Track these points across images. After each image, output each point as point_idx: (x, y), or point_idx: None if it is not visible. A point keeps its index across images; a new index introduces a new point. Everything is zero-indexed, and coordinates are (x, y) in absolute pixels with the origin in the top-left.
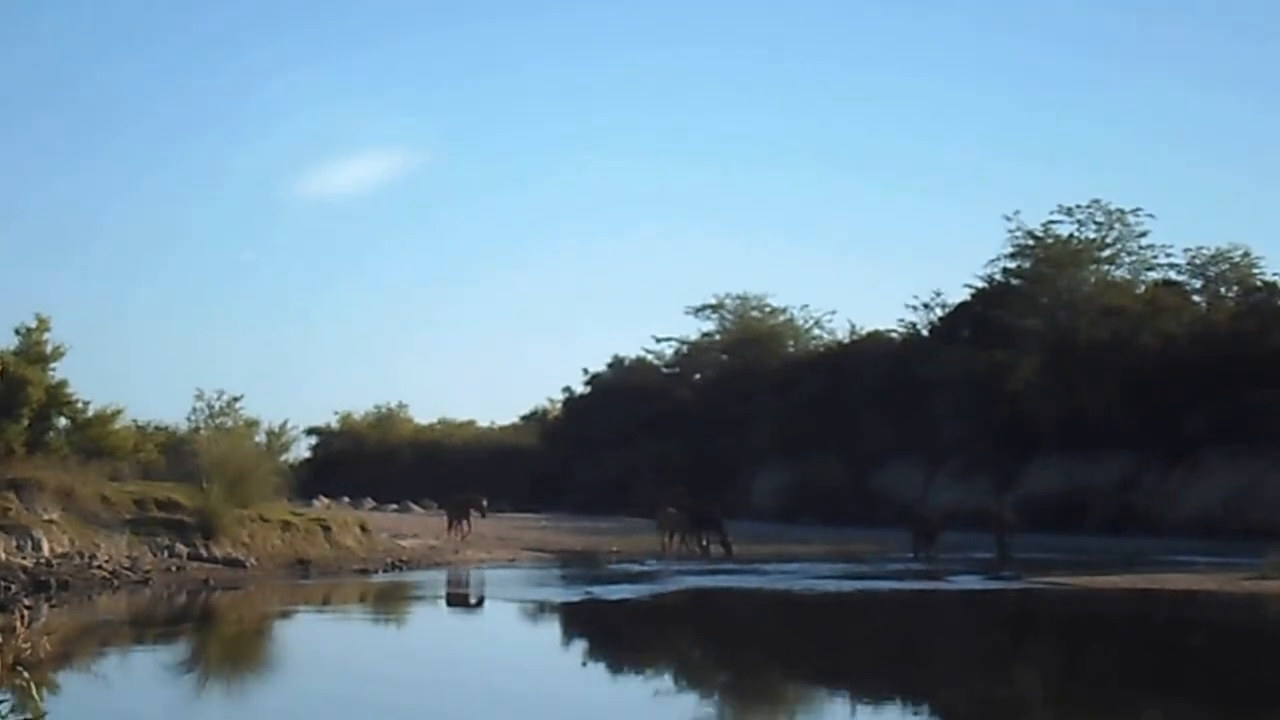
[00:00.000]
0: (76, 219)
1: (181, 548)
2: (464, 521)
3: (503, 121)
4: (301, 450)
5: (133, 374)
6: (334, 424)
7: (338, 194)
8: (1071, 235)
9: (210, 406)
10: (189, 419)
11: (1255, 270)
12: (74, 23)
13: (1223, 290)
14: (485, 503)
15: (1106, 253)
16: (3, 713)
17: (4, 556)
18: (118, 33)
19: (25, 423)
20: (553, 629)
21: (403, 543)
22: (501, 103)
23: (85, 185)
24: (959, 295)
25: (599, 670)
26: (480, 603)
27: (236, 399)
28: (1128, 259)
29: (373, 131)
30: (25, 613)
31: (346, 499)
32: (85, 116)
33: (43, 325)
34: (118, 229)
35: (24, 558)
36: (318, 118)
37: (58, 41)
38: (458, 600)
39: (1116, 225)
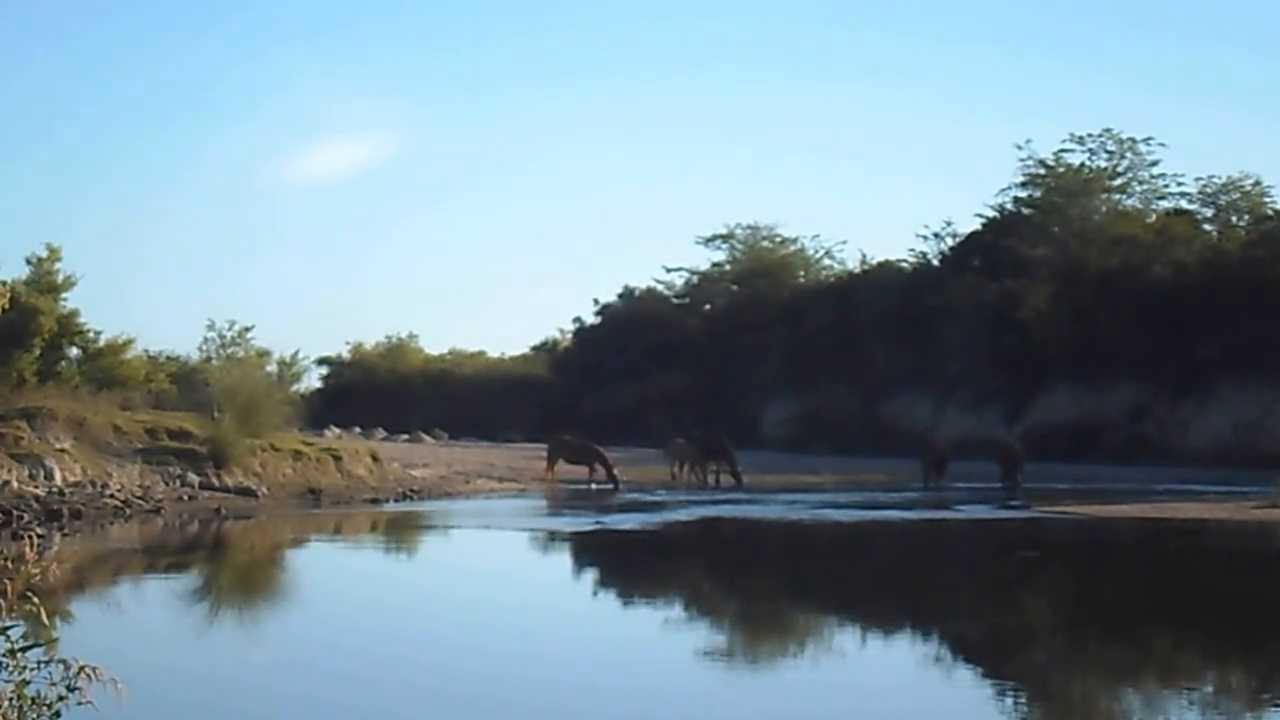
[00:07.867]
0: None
1: (193, 477)
2: (589, 467)
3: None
4: (313, 380)
5: (144, 305)
6: (345, 354)
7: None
8: (1082, 164)
9: (221, 336)
10: (200, 349)
11: (1266, 199)
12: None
13: (1233, 219)
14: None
15: (1117, 182)
16: (13, 639)
17: (16, 485)
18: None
19: (37, 352)
20: (563, 559)
21: (414, 472)
22: (500, 35)
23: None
24: (970, 225)
25: (609, 599)
26: (491, 532)
27: (248, 329)
28: (1139, 188)
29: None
30: (36, 540)
31: (358, 429)
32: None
33: (54, 255)
34: (124, 173)
35: (36, 487)
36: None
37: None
38: (469, 529)
39: (1127, 154)
